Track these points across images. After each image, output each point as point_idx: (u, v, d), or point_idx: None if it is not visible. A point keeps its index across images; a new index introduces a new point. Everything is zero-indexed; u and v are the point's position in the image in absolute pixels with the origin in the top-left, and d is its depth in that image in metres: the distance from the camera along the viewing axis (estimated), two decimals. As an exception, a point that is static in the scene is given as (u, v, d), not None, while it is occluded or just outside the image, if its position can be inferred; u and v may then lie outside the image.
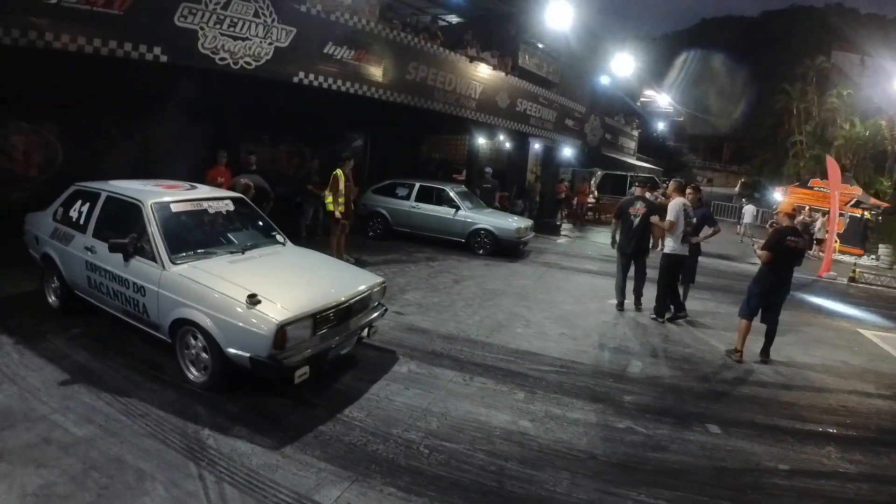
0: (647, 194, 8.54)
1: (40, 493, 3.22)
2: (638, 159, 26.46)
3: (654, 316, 8.07)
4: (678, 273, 8.06)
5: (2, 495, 3.17)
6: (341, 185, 9.09)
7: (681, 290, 8.36)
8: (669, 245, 7.82)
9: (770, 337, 6.72)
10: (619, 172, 24.74)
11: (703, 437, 4.68)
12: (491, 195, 14.32)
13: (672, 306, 8.18)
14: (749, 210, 20.69)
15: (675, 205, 7.78)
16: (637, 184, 9.33)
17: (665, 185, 22.42)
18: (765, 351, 6.73)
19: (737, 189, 36.90)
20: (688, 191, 8.16)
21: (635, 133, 26.18)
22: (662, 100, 27.47)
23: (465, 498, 3.57)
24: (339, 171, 9.16)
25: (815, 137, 31.29)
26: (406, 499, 3.50)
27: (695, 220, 8.08)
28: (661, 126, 34.08)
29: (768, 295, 6.58)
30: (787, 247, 6.36)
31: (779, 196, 21.73)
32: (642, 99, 26.38)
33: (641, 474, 4.02)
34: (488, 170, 15.49)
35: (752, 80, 37.43)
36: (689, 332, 7.61)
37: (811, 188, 21.44)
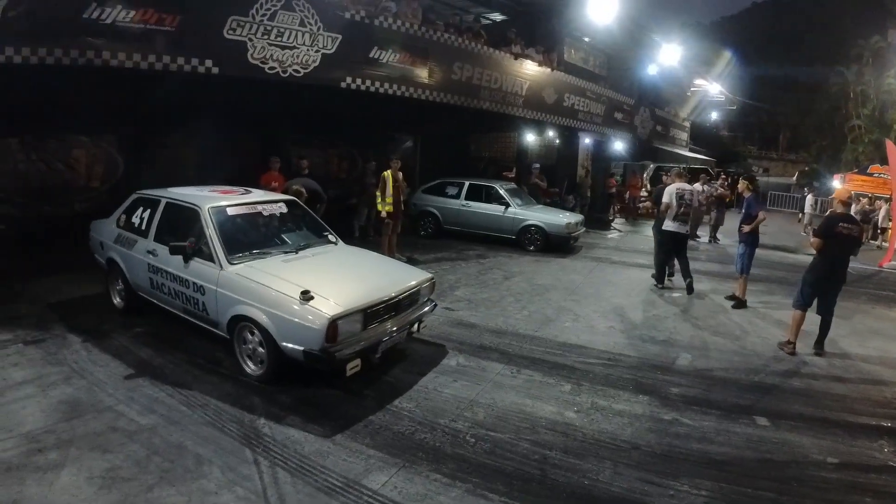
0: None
1: (106, 475, 3.45)
2: (691, 150, 25.81)
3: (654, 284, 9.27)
4: (671, 247, 9.01)
5: (71, 477, 3.41)
6: (389, 186, 9.28)
7: (678, 264, 9.21)
8: (666, 223, 8.80)
9: (824, 329, 6.48)
10: (671, 165, 24.22)
11: (749, 429, 4.59)
12: (538, 191, 14.22)
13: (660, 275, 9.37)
14: (808, 200, 19.85)
15: (669, 189, 8.80)
16: (666, 173, 9.98)
17: (720, 176, 21.99)
18: (819, 343, 6.49)
19: (794, 178, 35.45)
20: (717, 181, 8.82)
21: (687, 124, 25.55)
22: (714, 88, 26.64)
23: (508, 484, 3.63)
24: (387, 173, 9.37)
25: (873, 121, 29.51)
26: (450, 484, 3.59)
27: (744, 210, 8.31)
28: (713, 115, 33.15)
29: (822, 284, 6.37)
30: (840, 233, 6.15)
31: (837, 184, 20.73)
32: (693, 89, 25.67)
33: (685, 465, 3.99)
34: (536, 166, 15.38)
35: (806, 64, 35.76)
36: (740, 324, 7.44)
37: (870, 174, 20.29)
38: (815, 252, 6.43)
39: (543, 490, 3.61)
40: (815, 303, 6.47)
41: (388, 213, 9.37)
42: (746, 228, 8.05)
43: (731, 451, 4.22)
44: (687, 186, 8.97)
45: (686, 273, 8.89)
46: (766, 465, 4.07)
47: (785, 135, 44.90)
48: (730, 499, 3.62)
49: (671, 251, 9.12)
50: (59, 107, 8.31)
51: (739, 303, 8.31)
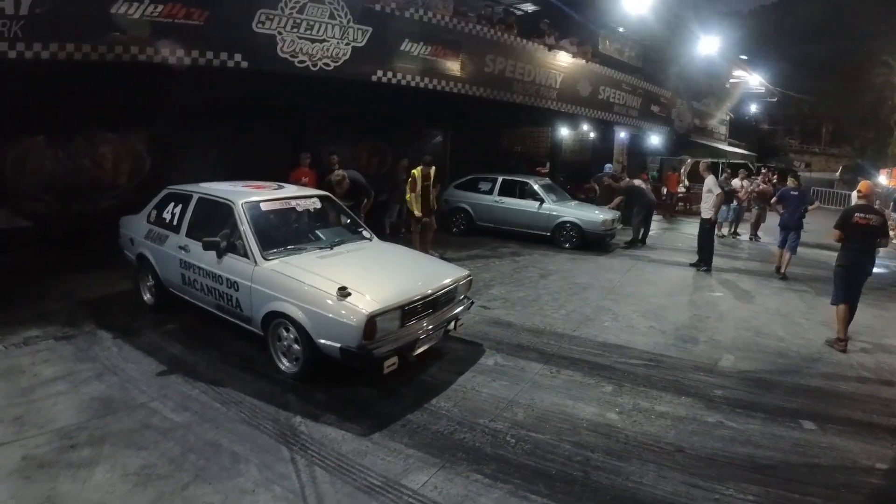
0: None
1: (141, 472, 3.41)
2: (729, 144, 25.22)
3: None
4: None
5: (105, 474, 3.37)
6: (418, 185, 9.18)
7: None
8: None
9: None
10: (710, 160, 23.64)
11: (795, 432, 4.41)
12: (613, 194, 13.62)
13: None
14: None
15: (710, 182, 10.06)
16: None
17: (760, 171, 21.38)
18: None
19: (838, 173, 34.43)
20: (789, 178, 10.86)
21: (726, 117, 25.00)
22: (753, 80, 25.95)
23: (550, 486, 3.54)
24: (415, 171, 9.26)
25: (920, 113, 28.64)
26: (492, 485, 3.50)
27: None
28: (753, 108, 32.38)
29: (850, 276, 6.44)
30: (857, 223, 6.33)
31: (883, 179, 19.95)
32: (732, 80, 25.06)
33: (730, 469, 3.85)
34: (608, 166, 14.74)
35: (848, 55, 34.50)
36: (783, 325, 7.17)
37: (919, 170, 19.57)
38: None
39: (586, 492, 3.50)
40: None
41: (418, 211, 9.29)
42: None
43: (777, 455, 4.07)
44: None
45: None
46: (814, 470, 3.91)
47: (827, 128, 43.47)
48: (776, 504, 3.48)
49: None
50: (86, 104, 8.34)
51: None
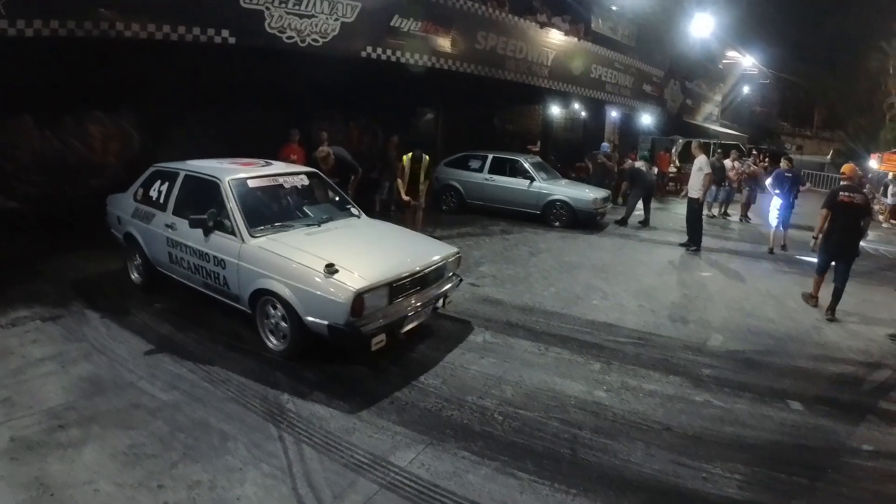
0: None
1: (129, 451, 3.40)
2: (722, 126, 25.22)
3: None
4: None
5: (94, 454, 3.36)
6: (406, 171, 9.11)
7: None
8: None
9: (836, 296, 6.76)
10: (701, 140, 23.63)
11: (783, 413, 4.43)
12: (606, 173, 13.78)
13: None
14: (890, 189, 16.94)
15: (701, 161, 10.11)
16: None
17: (751, 153, 21.38)
18: (831, 309, 6.79)
19: (829, 157, 34.39)
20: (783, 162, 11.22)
21: (718, 98, 24.96)
22: (747, 62, 25.89)
23: (538, 463, 3.55)
24: (405, 158, 9.15)
25: (913, 99, 28.45)
26: (479, 462, 3.51)
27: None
28: (745, 90, 32.32)
29: (835, 253, 6.82)
30: (843, 201, 6.67)
31: (874, 164, 19.89)
32: (725, 61, 25.00)
33: (717, 448, 3.87)
34: (605, 145, 14.77)
35: (844, 39, 34.24)
36: (773, 306, 7.20)
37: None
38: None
39: (574, 470, 3.51)
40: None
41: (405, 194, 9.22)
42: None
43: (764, 434, 4.09)
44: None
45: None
46: (801, 450, 3.93)
47: (820, 112, 43.39)
48: (763, 484, 3.51)
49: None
50: (74, 83, 8.18)
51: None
